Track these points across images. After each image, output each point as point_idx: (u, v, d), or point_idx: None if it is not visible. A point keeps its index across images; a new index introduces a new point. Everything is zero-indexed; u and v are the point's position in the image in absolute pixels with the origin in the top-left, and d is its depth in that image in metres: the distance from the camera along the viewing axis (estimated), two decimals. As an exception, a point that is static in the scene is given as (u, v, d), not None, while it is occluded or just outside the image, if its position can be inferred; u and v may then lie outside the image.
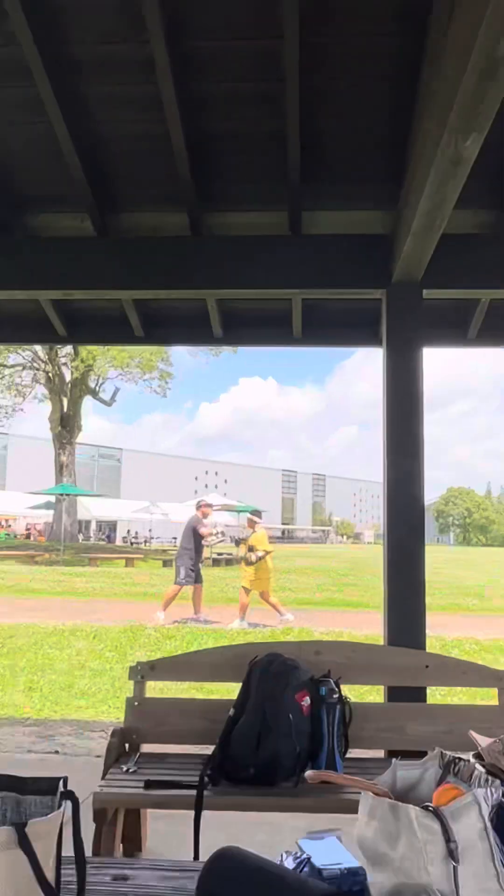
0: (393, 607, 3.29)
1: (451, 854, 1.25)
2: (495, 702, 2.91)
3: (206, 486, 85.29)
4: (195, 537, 10.27)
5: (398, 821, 1.32)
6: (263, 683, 2.49)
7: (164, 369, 32.81)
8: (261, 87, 3.02)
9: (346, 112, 3.10)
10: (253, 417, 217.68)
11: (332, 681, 2.59)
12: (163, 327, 4.41)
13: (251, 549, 10.35)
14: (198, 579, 10.28)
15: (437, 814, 1.30)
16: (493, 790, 1.37)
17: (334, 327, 4.34)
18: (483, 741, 1.59)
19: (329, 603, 13.85)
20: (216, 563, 26.23)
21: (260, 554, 10.18)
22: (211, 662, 2.96)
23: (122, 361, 29.49)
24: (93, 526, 57.37)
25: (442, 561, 35.16)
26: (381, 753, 2.96)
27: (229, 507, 30.46)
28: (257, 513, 10.65)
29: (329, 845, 1.71)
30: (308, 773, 1.41)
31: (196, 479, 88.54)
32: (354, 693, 5.80)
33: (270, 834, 2.99)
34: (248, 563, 10.26)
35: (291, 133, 3.09)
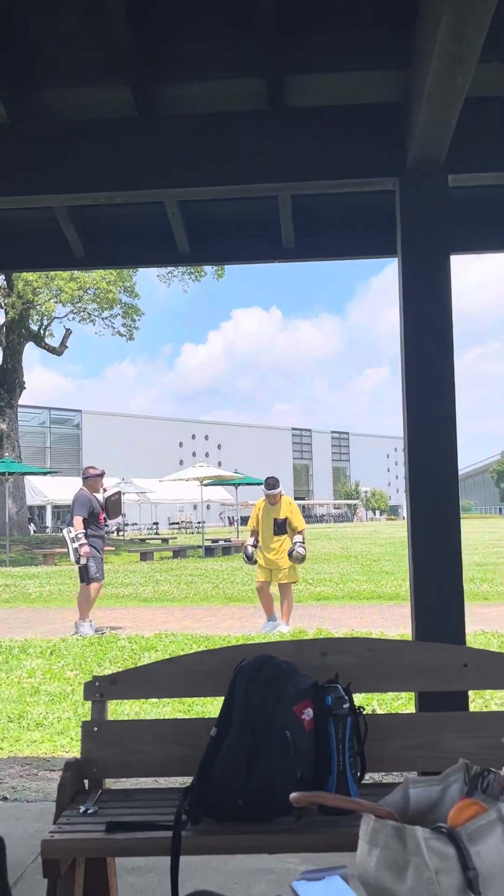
0: (421, 594, 3.36)
1: (470, 885, 1.31)
2: None
3: (195, 453, 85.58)
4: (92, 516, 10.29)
5: (405, 847, 1.38)
6: (252, 693, 2.55)
7: (128, 303, 32.70)
8: None
9: None
10: (252, 362, 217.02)
11: (340, 686, 2.64)
12: (109, 243, 4.40)
13: (279, 523, 10.17)
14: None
15: (451, 836, 1.35)
16: (525, 804, 1.42)
17: (336, 233, 4.33)
18: (519, 748, 1.65)
19: (357, 596, 14.05)
20: (210, 552, 26.50)
21: (300, 539, 10.10)
22: (188, 672, 3.02)
23: (71, 294, 29.35)
24: (48, 513, 57.81)
25: (504, 537, 35.48)
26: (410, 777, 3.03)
27: (224, 478, 30.63)
28: (272, 479, 10.47)
29: (331, 886, 1.78)
30: (292, 795, 1.47)
31: (181, 445, 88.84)
32: (382, 703, 5.94)
33: (274, 883, 3.10)
34: (301, 558, 10.10)
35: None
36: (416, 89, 3.06)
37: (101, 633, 10.06)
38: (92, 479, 10.48)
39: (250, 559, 10.44)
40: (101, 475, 10.65)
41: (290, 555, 10.01)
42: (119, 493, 11.32)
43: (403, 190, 3.44)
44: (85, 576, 10.23)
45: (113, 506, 10.79)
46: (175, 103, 3.60)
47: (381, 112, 3.49)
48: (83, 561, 10.22)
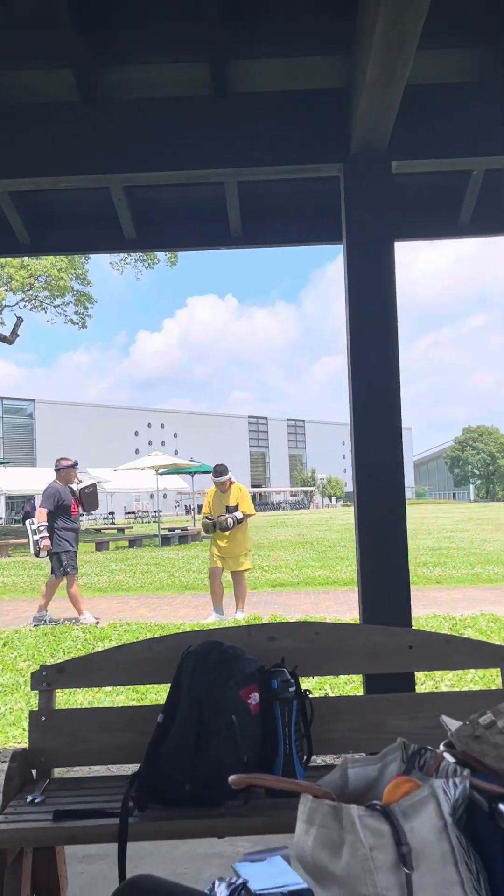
0: (368, 579, 3.40)
1: (403, 860, 1.34)
2: (499, 685, 3.04)
3: (150, 442, 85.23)
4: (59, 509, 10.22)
5: (341, 825, 1.40)
6: (199, 679, 2.57)
7: (80, 290, 32.37)
8: None
9: None
10: (208, 350, 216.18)
11: (286, 670, 2.67)
12: (55, 230, 4.34)
13: (230, 510, 10.09)
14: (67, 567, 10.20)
15: (385, 813, 1.38)
16: (457, 781, 1.45)
17: (283, 219, 4.33)
18: (454, 726, 1.68)
19: (312, 582, 14.13)
20: (166, 541, 26.45)
21: (239, 516, 10.07)
22: (136, 660, 3.02)
23: (22, 282, 28.95)
24: (1, 504, 57.15)
25: (459, 521, 36.00)
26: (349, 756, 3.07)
27: (180, 466, 30.55)
28: (221, 466, 10.42)
29: (272, 867, 1.81)
30: (231, 777, 1.48)
31: (136, 434, 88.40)
32: (335, 687, 6.00)
33: (224, 867, 3.12)
34: (225, 527, 10.03)
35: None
36: (359, 75, 3.07)
37: (56, 624, 10.00)
38: (64, 471, 10.36)
39: (212, 521, 10.30)
40: (74, 466, 10.52)
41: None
42: (94, 484, 11.21)
43: (347, 176, 3.45)
44: (57, 569, 10.11)
45: (88, 497, 10.67)
46: (118, 87, 3.57)
47: (324, 98, 3.50)
48: (42, 554, 10.13)
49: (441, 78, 3.47)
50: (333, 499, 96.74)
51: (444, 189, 4.17)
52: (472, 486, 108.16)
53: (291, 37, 3.42)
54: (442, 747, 1.66)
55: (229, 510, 10.10)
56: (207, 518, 10.37)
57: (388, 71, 2.74)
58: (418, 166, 3.60)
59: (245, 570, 10.38)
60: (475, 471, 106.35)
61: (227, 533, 10.08)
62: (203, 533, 10.58)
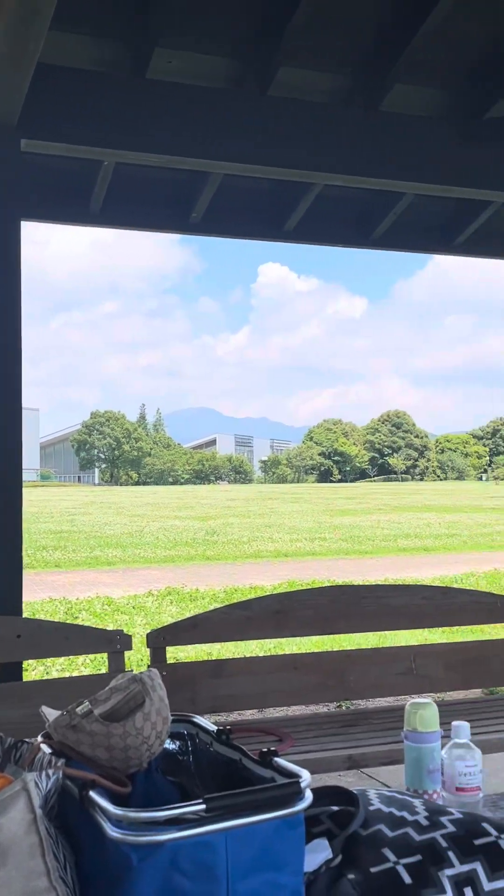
0: (-22, 566, 3.29)
1: (-12, 859, 1.32)
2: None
3: None
4: None
5: None
6: None
7: None
8: None
9: None
10: None
11: None
12: None
13: None
14: None
15: (-28, 814, 1.35)
16: (50, 772, 1.46)
17: None
18: (53, 716, 1.69)
19: None
20: None
21: None
22: None
23: None
24: None
25: (82, 504, 36.42)
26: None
27: None
28: None
29: None
30: None
31: None
32: None
33: None
34: None
35: None
36: (-11, 45, 2.95)
37: None
38: None
39: None
40: None
41: None
42: None
43: (-26, 147, 3.30)
44: None
45: None
46: None
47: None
48: None
49: (80, 64, 3.44)
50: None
51: (76, 175, 4.15)
52: (97, 470, 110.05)
53: None
54: (39, 738, 1.66)
55: None
56: None
57: (18, 46, 2.66)
58: (49, 148, 3.55)
59: None
60: (101, 455, 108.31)
61: None
62: None
